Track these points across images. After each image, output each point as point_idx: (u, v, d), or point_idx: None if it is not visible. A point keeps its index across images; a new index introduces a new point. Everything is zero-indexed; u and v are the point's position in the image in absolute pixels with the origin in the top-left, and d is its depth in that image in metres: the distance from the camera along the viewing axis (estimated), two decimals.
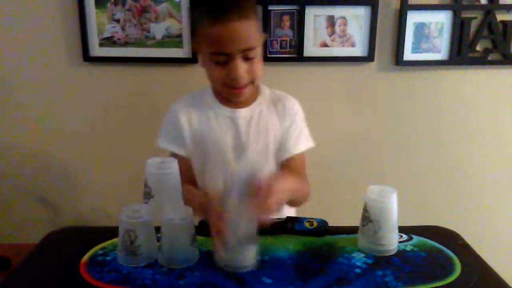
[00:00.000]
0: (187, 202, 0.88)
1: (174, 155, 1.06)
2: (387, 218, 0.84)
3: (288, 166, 1.09)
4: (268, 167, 1.07)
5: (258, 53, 0.98)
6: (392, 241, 0.86)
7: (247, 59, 0.96)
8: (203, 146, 1.07)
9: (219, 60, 0.95)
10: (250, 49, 0.95)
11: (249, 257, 0.79)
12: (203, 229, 0.86)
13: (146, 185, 0.82)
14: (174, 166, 0.83)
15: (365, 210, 0.86)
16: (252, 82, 1.00)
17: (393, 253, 0.85)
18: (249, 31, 0.94)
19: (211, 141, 1.06)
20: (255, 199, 0.73)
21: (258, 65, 0.99)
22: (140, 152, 1.56)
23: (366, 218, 0.86)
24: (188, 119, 1.07)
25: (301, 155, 1.10)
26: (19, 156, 1.57)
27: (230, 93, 1.02)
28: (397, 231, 0.87)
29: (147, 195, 0.82)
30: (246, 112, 1.07)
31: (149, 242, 0.82)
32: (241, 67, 0.95)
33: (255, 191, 0.73)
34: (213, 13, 0.92)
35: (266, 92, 1.11)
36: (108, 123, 1.55)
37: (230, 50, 0.93)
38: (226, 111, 1.06)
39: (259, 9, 1.01)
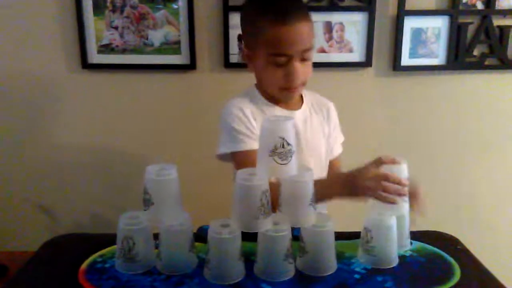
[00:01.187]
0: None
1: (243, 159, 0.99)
2: (386, 236, 0.83)
3: (334, 166, 1.18)
4: (322, 166, 1.12)
5: (312, 54, 1.02)
6: (392, 256, 0.84)
7: (303, 60, 0.99)
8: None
9: (279, 62, 0.97)
10: (309, 49, 0.99)
11: None
12: (201, 236, 0.86)
13: (145, 192, 0.82)
14: (173, 173, 0.82)
15: (365, 226, 0.85)
16: (303, 84, 1.03)
17: (394, 265, 0.84)
18: (309, 32, 0.99)
19: None
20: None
21: (311, 66, 1.03)
22: (139, 159, 1.57)
23: (365, 233, 0.85)
24: (252, 114, 1.03)
25: (339, 155, 1.21)
26: (17, 163, 1.57)
27: (283, 94, 1.04)
28: (395, 245, 0.84)
29: (147, 202, 0.81)
30: (301, 113, 1.09)
31: (147, 249, 0.82)
32: (299, 68, 0.98)
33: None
34: (279, 15, 0.95)
35: (306, 94, 1.14)
36: (106, 129, 1.55)
37: (292, 51, 0.96)
38: (283, 112, 1.07)
39: None
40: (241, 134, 1.01)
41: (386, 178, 0.81)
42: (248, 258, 0.84)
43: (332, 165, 1.18)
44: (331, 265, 0.81)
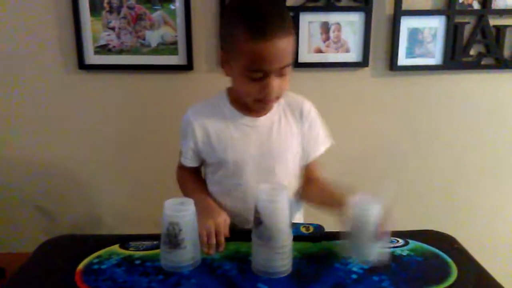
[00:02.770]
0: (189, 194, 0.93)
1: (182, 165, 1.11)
2: (365, 229, 0.82)
3: (310, 170, 1.11)
4: (288, 172, 1.07)
5: (290, 69, 0.95)
6: (371, 251, 0.83)
7: (281, 75, 0.93)
8: (223, 156, 1.03)
9: (255, 77, 0.92)
10: (288, 66, 0.93)
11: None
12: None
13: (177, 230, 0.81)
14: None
15: (348, 221, 0.85)
16: (279, 97, 0.98)
17: (372, 264, 0.83)
18: (289, 48, 0.92)
19: (233, 151, 1.02)
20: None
21: (288, 80, 0.97)
22: (136, 160, 1.57)
23: (349, 229, 0.84)
24: (204, 130, 1.04)
25: (319, 156, 1.12)
26: (14, 165, 1.56)
27: (257, 105, 0.99)
28: (379, 242, 0.84)
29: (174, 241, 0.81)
30: (267, 120, 1.05)
31: (193, 236, 0.83)
32: (276, 83, 0.92)
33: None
34: (257, 30, 0.87)
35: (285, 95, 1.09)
36: (103, 131, 1.55)
37: (270, 68, 0.90)
38: (247, 120, 1.03)
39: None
40: (183, 146, 1.08)
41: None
42: (245, 258, 0.84)
43: (310, 169, 1.11)
44: (286, 235, 0.80)
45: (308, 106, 1.09)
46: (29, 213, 1.60)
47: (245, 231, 0.88)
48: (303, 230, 0.93)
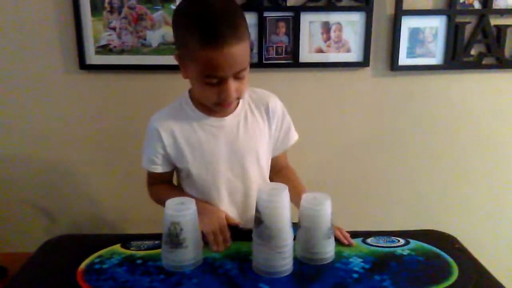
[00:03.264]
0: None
1: (151, 173, 1.09)
2: (319, 226, 0.83)
3: (278, 159, 1.13)
4: (261, 168, 1.08)
5: (247, 71, 0.95)
6: (326, 249, 0.84)
7: (237, 78, 0.92)
8: (192, 158, 1.03)
9: (211, 82, 0.91)
10: (244, 70, 0.92)
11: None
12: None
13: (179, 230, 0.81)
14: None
15: (299, 217, 0.85)
16: (239, 98, 0.98)
17: (328, 261, 0.84)
18: (244, 53, 0.91)
19: (201, 152, 1.02)
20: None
21: (246, 82, 0.96)
22: (138, 159, 1.57)
23: (298, 225, 0.85)
24: (170, 133, 1.03)
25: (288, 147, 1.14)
26: (14, 164, 1.57)
27: (217, 108, 0.99)
28: (332, 239, 0.85)
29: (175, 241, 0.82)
30: (233, 118, 1.04)
31: (194, 235, 0.83)
32: (232, 87, 0.92)
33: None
34: (208, 37, 0.86)
35: (245, 94, 1.07)
36: (104, 130, 1.55)
37: (225, 74, 0.90)
38: (212, 121, 1.03)
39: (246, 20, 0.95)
40: (150, 155, 1.06)
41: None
42: (246, 258, 0.84)
43: (277, 161, 1.13)
44: (287, 235, 0.80)
45: (274, 101, 1.09)
46: (31, 213, 1.60)
47: (246, 230, 0.88)
48: None
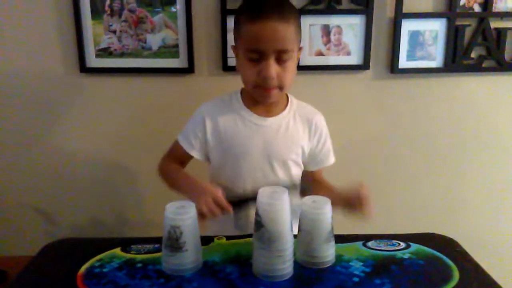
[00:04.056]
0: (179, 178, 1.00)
1: (178, 149, 1.13)
2: (320, 230, 0.83)
3: (313, 176, 1.17)
4: (290, 176, 1.11)
5: (292, 58, 1.00)
6: (326, 253, 0.84)
7: (280, 62, 0.98)
8: (228, 150, 1.08)
9: (252, 57, 0.97)
10: (284, 51, 0.97)
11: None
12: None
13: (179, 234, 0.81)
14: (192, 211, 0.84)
15: (299, 220, 0.85)
16: (280, 87, 1.01)
17: (328, 265, 0.84)
18: (285, 33, 0.96)
19: (237, 145, 1.07)
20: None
21: (290, 72, 1.01)
22: (138, 163, 1.57)
23: (299, 229, 0.85)
24: (214, 122, 1.09)
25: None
26: (14, 167, 1.56)
27: (259, 94, 1.03)
28: (332, 243, 0.85)
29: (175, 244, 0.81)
30: (274, 121, 1.09)
31: (194, 239, 0.83)
32: (273, 67, 0.97)
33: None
34: (254, 12, 0.97)
35: (294, 103, 1.14)
36: (105, 134, 1.55)
37: (264, 48, 0.95)
38: (254, 118, 1.08)
39: (300, 19, 1.04)
40: (190, 135, 1.11)
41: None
42: (247, 261, 0.84)
43: (314, 175, 1.17)
44: (288, 239, 0.79)
45: (320, 119, 1.15)
46: (30, 216, 1.60)
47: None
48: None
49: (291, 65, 1.00)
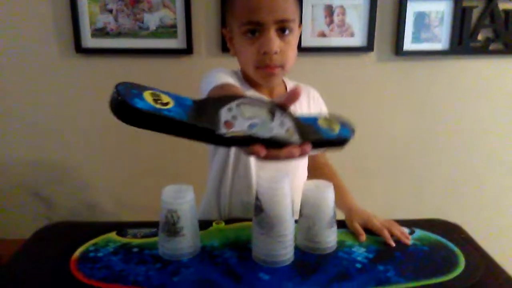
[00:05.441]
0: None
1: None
2: (322, 215, 0.80)
3: (316, 159, 1.12)
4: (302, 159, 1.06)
5: (293, 32, 0.91)
6: (328, 239, 0.81)
7: (281, 36, 0.89)
8: None
9: (251, 29, 0.88)
10: (286, 21, 0.88)
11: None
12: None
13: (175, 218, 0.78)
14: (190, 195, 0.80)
15: (301, 205, 0.83)
16: (282, 66, 0.92)
17: (330, 251, 0.82)
18: (286, 2, 0.88)
19: None
20: None
21: (292, 47, 0.92)
22: (135, 145, 1.55)
23: (301, 213, 0.83)
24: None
25: None
26: (10, 150, 1.54)
27: (261, 76, 0.94)
28: (334, 228, 0.82)
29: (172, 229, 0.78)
30: None
31: (192, 224, 0.80)
32: (274, 40, 0.88)
33: None
34: None
35: (290, 83, 1.09)
36: (101, 116, 1.52)
37: (263, 18, 0.86)
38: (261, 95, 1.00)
39: None
40: (222, 79, 0.89)
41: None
42: (246, 246, 0.82)
43: (312, 158, 1.11)
44: (289, 224, 0.77)
45: (316, 92, 1.10)
46: (26, 200, 1.58)
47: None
48: (323, 125, 0.65)
49: (293, 40, 0.93)
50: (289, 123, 0.57)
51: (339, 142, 0.64)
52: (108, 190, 1.59)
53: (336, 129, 0.65)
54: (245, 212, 1.02)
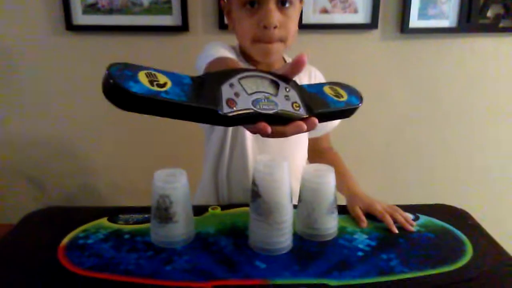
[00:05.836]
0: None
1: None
2: (322, 200, 0.77)
3: (320, 144, 1.10)
4: (297, 141, 1.02)
5: (294, 4, 0.88)
6: (328, 225, 0.78)
7: (281, 8, 0.86)
8: None
9: (251, 0, 0.85)
10: None
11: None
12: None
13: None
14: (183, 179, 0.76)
15: (300, 190, 0.79)
16: (282, 39, 0.89)
17: (330, 238, 0.78)
18: None
19: None
20: None
21: (293, 21, 0.89)
22: (129, 127, 1.50)
23: (300, 199, 0.79)
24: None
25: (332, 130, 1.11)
26: (1, 132, 1.50)
27: (259, 50, 0.90)
28: (335, 214, 0.79)
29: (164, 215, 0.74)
30: None
31: (185, 209, 0.76)
32: (274, 13, 0.85)
33: None
34: None
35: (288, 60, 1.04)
36: (93, 96, 1.46)
37: None
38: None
39: None
40: (219, 52, 0.85)
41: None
42: (242, 233, 0.78)
43: (318, 139, 1.09)
44: (287, 210, 0.73)
45: (316, 71, 1.05)
46: (20, 184, 1.55)
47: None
48: (329, 93, 0.61)
49: (294, 13, 0.89)
50: (294, 96, 0.56)
51: (348, 111, 0.62)
52: (103, 174, 1.56)
53: (344, 96, 0.62)
54: (245, 196, 0.98)
